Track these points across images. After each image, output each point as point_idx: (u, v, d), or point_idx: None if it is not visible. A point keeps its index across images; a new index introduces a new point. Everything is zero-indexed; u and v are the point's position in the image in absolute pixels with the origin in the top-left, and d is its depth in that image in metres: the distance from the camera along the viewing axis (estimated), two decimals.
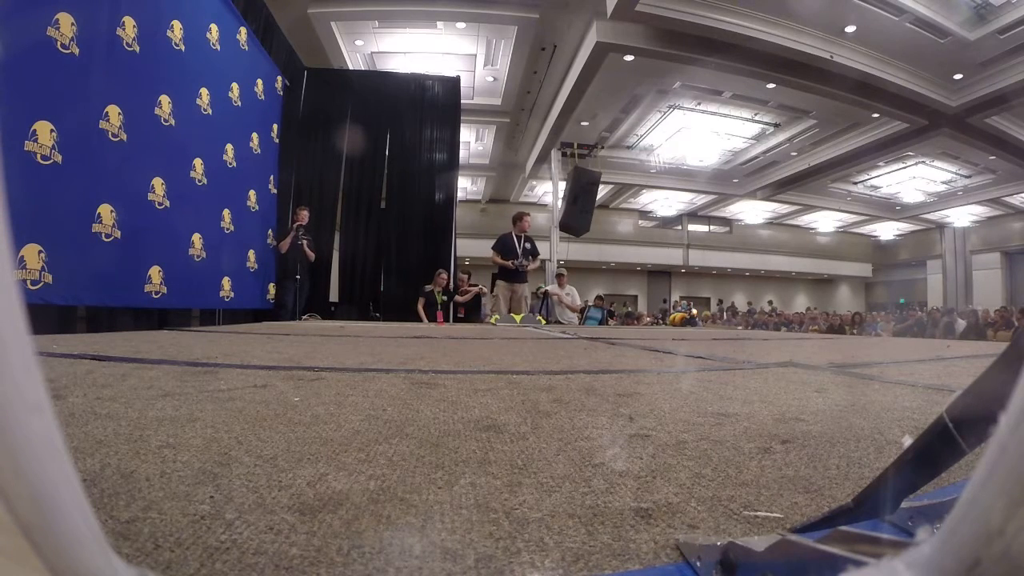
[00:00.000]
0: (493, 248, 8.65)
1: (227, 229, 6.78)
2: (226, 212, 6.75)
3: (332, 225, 9.71)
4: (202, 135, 6.16)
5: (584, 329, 7.23)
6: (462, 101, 10.75)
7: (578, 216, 12.85)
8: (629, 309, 23.53)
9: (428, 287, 9.14)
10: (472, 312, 9.69)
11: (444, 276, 9.23)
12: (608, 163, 16.92)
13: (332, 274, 9.65)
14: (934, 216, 23.44)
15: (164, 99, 5.32)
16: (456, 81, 10.39)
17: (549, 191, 17.89)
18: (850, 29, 10.47)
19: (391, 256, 9.93)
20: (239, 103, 7.14)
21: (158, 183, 5.23)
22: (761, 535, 0.54)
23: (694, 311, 17.57)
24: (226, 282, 6.78)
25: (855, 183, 20.21)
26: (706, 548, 0.51)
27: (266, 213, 8.23)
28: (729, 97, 13.41)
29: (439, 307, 9.04)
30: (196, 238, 5.98)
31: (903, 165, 17.91)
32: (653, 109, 14.31)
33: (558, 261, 13.35)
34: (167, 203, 5.33)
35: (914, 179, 19.28)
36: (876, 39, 10.74)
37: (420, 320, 8.84)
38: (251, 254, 7.66)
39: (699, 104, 13.93)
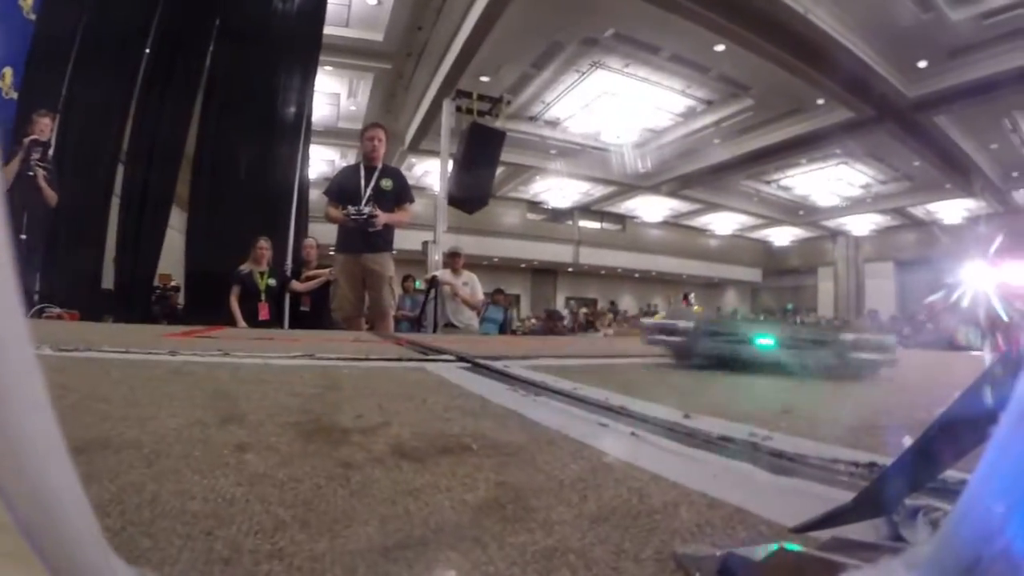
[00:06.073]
0: (325, 193, 5.73)
1: None
2: None
3: (111, 164, 6.77)
4: None
5: (479, 342, 5.06)
6: (332, 29, 8.29)
7: (472, 186, 10.67)
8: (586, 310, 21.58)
9: (244, 267, 6.38)
10: (320, 305, 6.82)
11: (265, 248, 6.48)
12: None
13: (108, 243, 6.72)
14: (832, 223, 24.51)
15: None
16: None
17: (431, 169, 15.77)
18: None
19: (201, 220, 7.15)
20: None
21: None
22: (760, 544, 0.50)
23: (696, 308, 15.26)
24: None
25: (768, 182, 20.02)
26: (704, 559, 0.53)
27: None
28: (667, 58, 11.87)
29: (262, 296, 6.36)
30: None
31: (824, 165, 17.75)
32: (572, 67, 12.48)
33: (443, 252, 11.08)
34: None
35: (830, 181, 19.31)
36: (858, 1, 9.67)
37: (233, 319, 6.14)
38: None
39: (627, 66, 12.27)
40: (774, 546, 0.47)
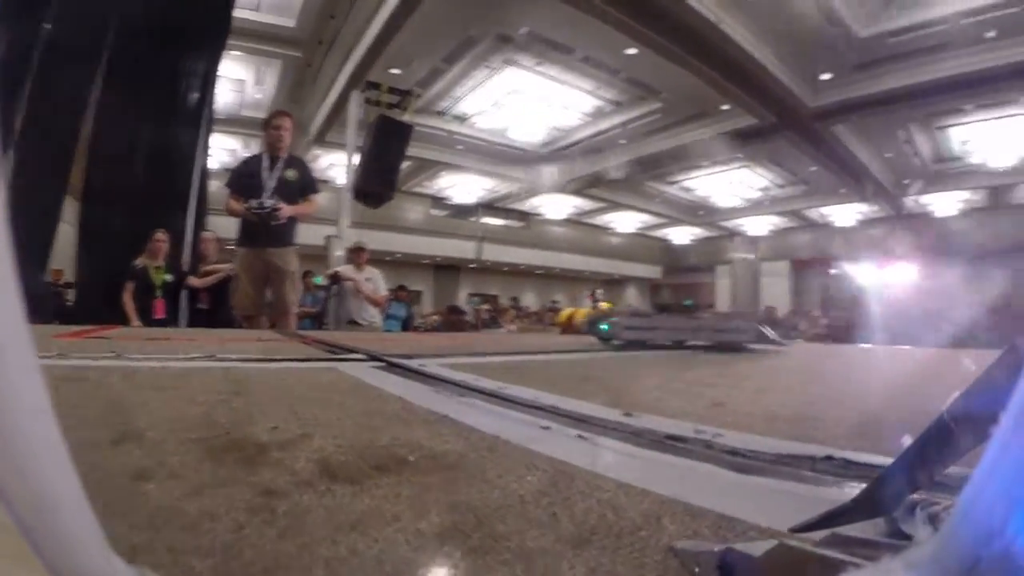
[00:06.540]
0: (227, 185, 5.42)
1: None
2: None
3: None
4: None
5: (386, 339, 4.94)
6: (242, 12, 8.02)
7: (379, 179, 10.40)
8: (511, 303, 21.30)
9: (138, 261, 5.92)
10: (219, 302, 6.37)
11: (162, 241, 6.04)
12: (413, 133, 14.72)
13: None
14: (730, 223, 25.39)
15: None
16: None
17: (336, 162, 15.29)
18: None
19: (95, 212, 6.68)
20: None
21: None
22: (759, 540, 0.52)
23: (603, 304, 14.78)
24: None
25: (671, 183, 20.44)
26: (703, 554, 0.53)
27: None
28: (579, 59, 11.94)
29: (158, 292, 5.92)
30: None
31: (726, 168, 18.29)
32: (483, 63, 12.32)
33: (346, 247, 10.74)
34: None
35: (730, 183, 19.94)
36: (771, 12, 10.05)
37: (126, 318, 5.67)
38: None
39: (539, 64, 12.25)
40: (773, 542, 0.47)
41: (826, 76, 12.25)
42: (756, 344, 4.12)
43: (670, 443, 1.06)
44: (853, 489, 0.83)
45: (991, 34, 10.20)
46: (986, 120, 13.70)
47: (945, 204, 19.93)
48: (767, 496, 0.81)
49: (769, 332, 4.26)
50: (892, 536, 0.50)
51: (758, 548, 0.47)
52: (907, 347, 7.41)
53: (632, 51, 11.12)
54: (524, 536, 0.59)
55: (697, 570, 0.51)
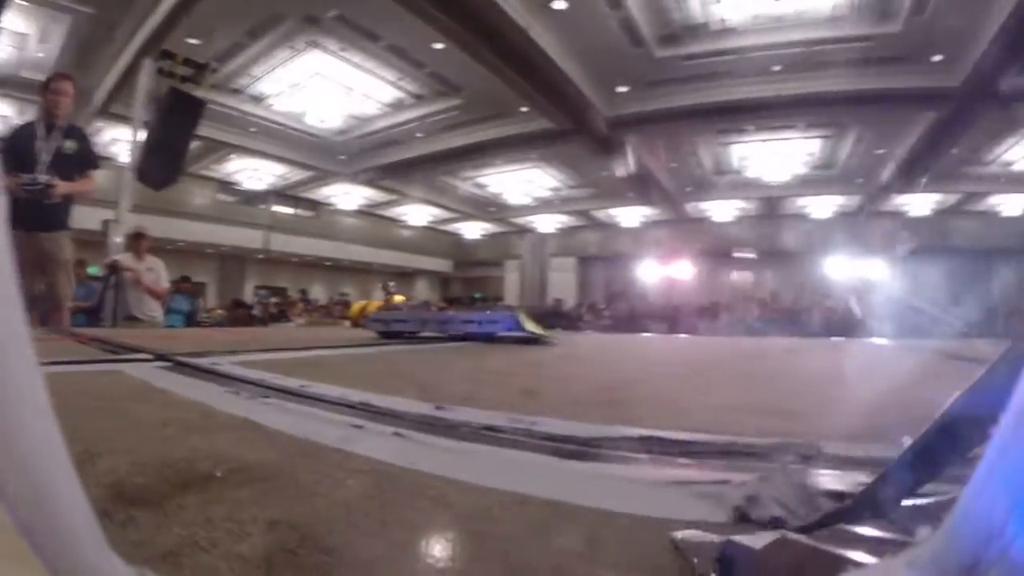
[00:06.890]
0: None
1: None
2: None
3: None
4: None
5: (171, 336, 4.72)
6: None
7: (164, 159, 9.52)
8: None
9: None
10: None
11: None
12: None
13: None
14: (521, 220, 26.20)
15: None
16: None
17: (120, 137, 13.76)
18: (560, 6, 9.96)
19: None
20: None
21: None
22: (760, 534, 0.51)
23: (397, 297, 14.37)
24: None
25: (464, 179, 20.71)
26: (704, 546, 0.53)
27: None
28: (384, 47, 11.73)
29: None
30: None
31: (519, 167, 18.83)
32: (286, 43, 11.69)
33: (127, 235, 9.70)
34: None
35: (522, 182, 20.52)
36: (578, 26, 10.51)
37: None
38: None
39: (344, 50, 11.88)
40: (775, 535, 0.47)
41: (623, 89, 13.10)
42: (513, 334, 4.34)
43: (489, 434, 1.07)
44: (686, 469, 0.91)
45: (776, 68, 11.58)
46: (765, 141, 15.55)
47: (722, 211, 22.39)
48: (598, 480, 0.84)
49: (532, 326, 4.53)
50: (892, 535, 0.51)
51: (759, 541, 0.47)
52: (684, 336, 8.17)
53: (439, 46, 11.14)
54: (357, 548, 0.58)
55: (696, 561, 0.52)
